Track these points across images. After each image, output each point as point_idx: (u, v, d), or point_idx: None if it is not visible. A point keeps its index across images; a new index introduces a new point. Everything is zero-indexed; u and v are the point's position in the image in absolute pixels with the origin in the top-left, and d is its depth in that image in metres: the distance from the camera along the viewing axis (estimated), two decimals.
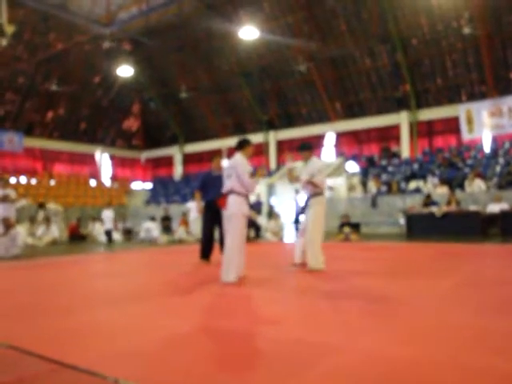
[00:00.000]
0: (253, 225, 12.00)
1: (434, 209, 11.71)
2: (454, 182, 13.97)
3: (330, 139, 21.37)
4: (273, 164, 22.89)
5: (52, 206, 16.79)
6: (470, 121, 17.10)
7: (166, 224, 14.94)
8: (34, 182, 21.37)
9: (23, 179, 21.03)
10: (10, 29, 13.44)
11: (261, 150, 23.19)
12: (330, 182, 15.35)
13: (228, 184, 4.95)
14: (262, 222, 13.88)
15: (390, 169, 17.31)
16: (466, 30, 16.24)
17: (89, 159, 25.56)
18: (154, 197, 23.35)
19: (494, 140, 16.96)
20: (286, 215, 15.69)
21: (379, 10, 17.64)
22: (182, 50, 22.17)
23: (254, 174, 5.03)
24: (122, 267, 7.11)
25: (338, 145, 21.27)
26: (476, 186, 13.25)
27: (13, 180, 19.77)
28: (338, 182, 16.34)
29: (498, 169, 14.30)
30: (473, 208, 11.47)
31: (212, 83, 23.53)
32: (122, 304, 3.80)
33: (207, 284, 4.77)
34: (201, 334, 2.80)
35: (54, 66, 21.86)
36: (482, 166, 14.89)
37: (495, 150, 16.05)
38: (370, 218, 14.36)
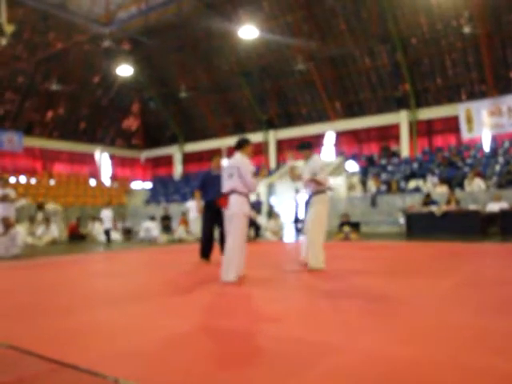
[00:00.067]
0: (253, 224, 11.99)
1: (433, 208, 11.71)
2: (454, 181, 13.97)
3: (329, 138, 21.37)
4: (272, 163, 22.88)
5: (51, 206, 16.78)
6: (469, 120, 17.10)
7: (166, 223, 14.95)
8: (33, 181, 21.37)
9: (23, 179, 21.03)
10: (9, 28, 13.42)
11: (260, 150, 23.19)
12: (329, 181, 15.33)
13: (230, 184, 4.93)
14: (262, 221, 13.89)
15: (390, 168, 17.31)
16: (466, 29, 16.23)
17: (88, 159, 25.55)
18: (153, 196, 23.36)
19: (494, 139, 16.97)
20: (286, 215, 15.70)
21: (379, 10, 17.63)
22: (181, 50, 22.15)
23: (257, 174, 5.03)
24: (122, 267, 7.11)
25: (337, 144, 21.27)
26: (475, 185, 13.25)
27: (12, 180, 19.76)
28: (338, 182, 16.34)
29: (498, 168, 14.31)
30: (472, 207, 11.47)
31: (212, 83, 23.52)
32: (122, 304, 3.80)
33: (207, 283, 4.76)
34: (201, 334, 2.80)
35: (54, 65, 21.84)
36: (482, 165, 14.89)
37: (495, 149, 16.06)
38: (370, 217, 14.36)
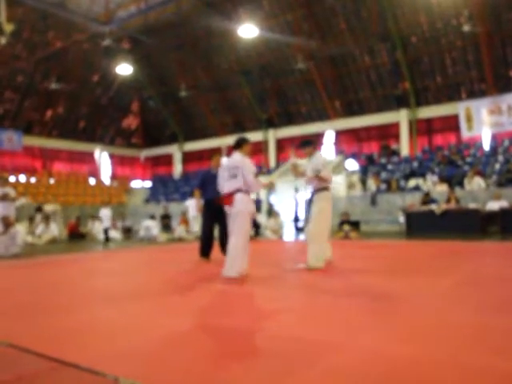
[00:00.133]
0: (252, 223, 11.99)
1: (433, 207, 11.71)
2: (454, 179, 13.97)
3: (329, 137, 21.36)
4: (272, 162, 22.88)
5: (49, 207, 16.72)
6: (469, 119, 17.10)
7: (166, 222, 14.93)
8: (33, 180, 21.37)
9: (22, 178, 21.03)
10: (8, 27, 13.39)
11: (260, 149, 23.18)
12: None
13: (233, 184, 4.91)
14: (262, 220, 13.89)
15: (390, 167, 17.31)
16: (466, 28, 16.23)
17: (88, 158, 25.54)
18: (153, 195, 23.35)
19: (494, 138, 16.97)
20: (286, 213, 15.70)
21: (379, 8, 17.62)
22: (181, 49, 22.13)
23: (257, 174, 5.02)
24: (122, 265, 7.10)
25: (337, 143, 21.27)
26: (475, 183, 13.25)
27: (12, 178, 19.75)
28: (338, 180, 16.34)
29: (498, 166, 14.31)
30: (472, 206, 11.47)
31: (211, 81, 23.50)
32: (122, 302, 3.80)
33: (207, 282, 4.76)
34: (200, 332, 2.80)
35: (53, 64, 21.82)
36: (482, 163, 14.89)
37: (494, 148, 16.06)
38: (370, 215, 14.36)
